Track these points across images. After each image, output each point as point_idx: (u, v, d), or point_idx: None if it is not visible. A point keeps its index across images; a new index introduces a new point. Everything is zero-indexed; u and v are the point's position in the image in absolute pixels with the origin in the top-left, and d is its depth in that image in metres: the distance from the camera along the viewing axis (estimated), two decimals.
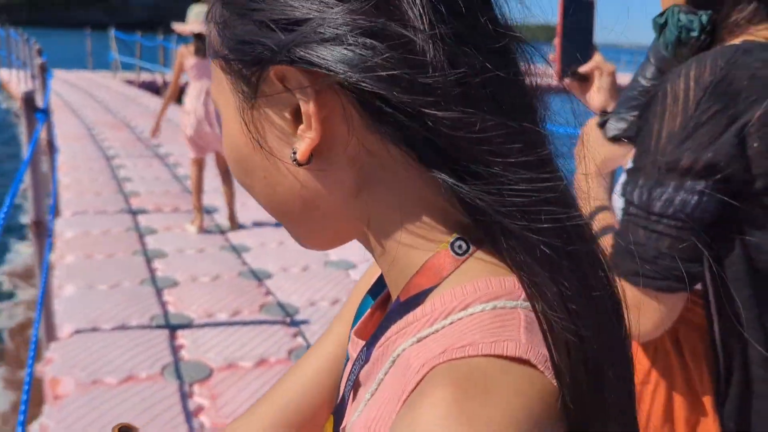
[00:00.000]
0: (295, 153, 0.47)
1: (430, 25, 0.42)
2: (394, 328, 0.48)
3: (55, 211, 5.79)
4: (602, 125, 1.24)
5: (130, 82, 18.58)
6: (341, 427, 0.55)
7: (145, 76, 19.01)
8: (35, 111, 3.31)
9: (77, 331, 3.62)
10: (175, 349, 3.51)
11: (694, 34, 1.03)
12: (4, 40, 18.90)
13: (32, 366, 2.55)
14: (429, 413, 0.37)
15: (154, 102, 14.29)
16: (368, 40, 0.42)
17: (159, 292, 4.23)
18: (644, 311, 0.97)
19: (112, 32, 18.98)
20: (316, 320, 3.93)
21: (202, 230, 5.48)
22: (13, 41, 18.88)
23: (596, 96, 1.33)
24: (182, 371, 3.29)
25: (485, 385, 0.38)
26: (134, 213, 5.96)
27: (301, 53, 0.43)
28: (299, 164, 0.47)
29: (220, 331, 3.74)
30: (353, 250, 5.17)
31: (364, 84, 0.42)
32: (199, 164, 5.31)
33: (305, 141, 0.46)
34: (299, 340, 3.69)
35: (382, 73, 0.42)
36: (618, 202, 1.08)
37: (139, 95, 15.53)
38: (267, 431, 0.70)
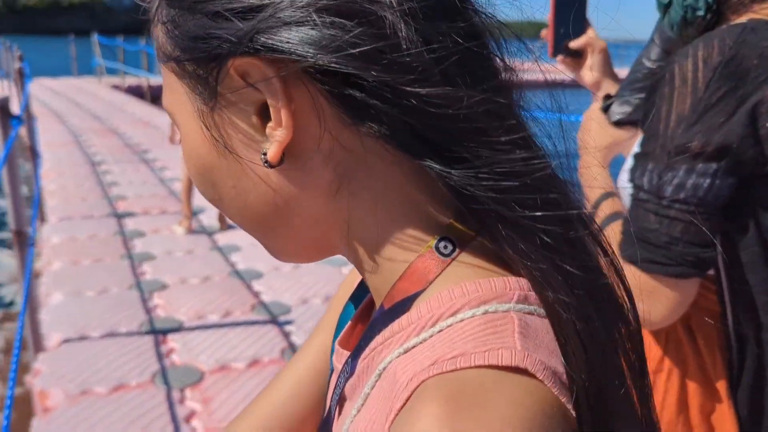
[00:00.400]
0: (265, 155, 0.43)
1: (398, 1, 0.39)
2: (378, 338, 0.44)
3: (40, 218, 5.70)
4: (605, 109, 1.21)
5: (115, 87, 18.45)
6: None
7: (131, 81, 18.86)
8: (10, 118, 3.22)
9: (65, 341, 3.55)
10: (165, 354, 3.44)
11: (700, 13, 1.00)
12: None
13: (14, 380, 2.47)
14: None
15: (140, 108, 14.18)
16: (336, 19, 0.39)
17: (148, 296, 4.15)
18: (657, 298, 0.93)
19: (95, 37, 18.83)
20: (308, 318, 3.86)
21: (191, 231, 5.40)
22: None
23: (588, 73, 1.31)
24: (173, 376, 3.21)
25: (479, 400, 0.35)
26: (121, 217, 5.87)
27: (264, 40, 0.40)
28: (271, 166, 0.43)
29: (210, 333, 3.66)
30: None
31: (337, 65, 0.39)
32: None
33: (276, 140, 0.42)
34: (292, 339, 3.62)
35: (354, 52, 0.38)
36: (624, 188, 1.04)
37: (125, 101, 15.40)
38: None
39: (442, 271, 0.43)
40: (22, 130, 6.57)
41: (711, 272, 0.98)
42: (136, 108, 14.24)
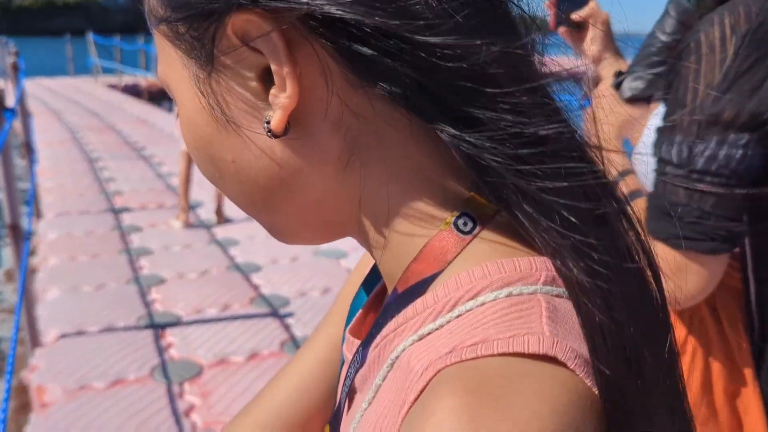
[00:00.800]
0: (268, 123, 0.39)
1: None
2: (391, 324, 0.41)
3: (36, 214, 5.67)
4: (617, 86, 1.17)
5: (112, 87, 18.40)
6: None
7: (127, 80, 18.82)
8: (3, 110, 3.19)
9: (63, 336, 3.51)
10: (163, 349, 3.41)
11: None
12: None
13: (11, 376, 2.44)
14: (439, 428, 0.30)
15: (137, 107, 14.15)
16: None
17: (145, 291, 4.12)
18: (686, 276, 0.90)
19: (90, 36, 18.77)
20: (307, 311, 3.84)
21: (188, 225, 5.37)
22: None
23: (590, 46, 1.27)
24: (172, 370, 3.18)
25: (504, 392, 0.31)
26: (118, 212, 5.84)
27: None
28: (275, 136, 0.39)
29: (209, 327, 3.63)
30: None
31: (336, 11, 0.35)
32: (189, 157, 5.19)
33: (280, 106, 0.38)
34: (291, 331, 3.60)
35: None
36: (640, 166, 1.01)
37: (122, 100, 15.36)
38: None
39: (462, 250, 0.39)
40: (18, 126, 6.54)
41: (736, 249, 0.95)
42: (133, 106, 14.21)
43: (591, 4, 1.29)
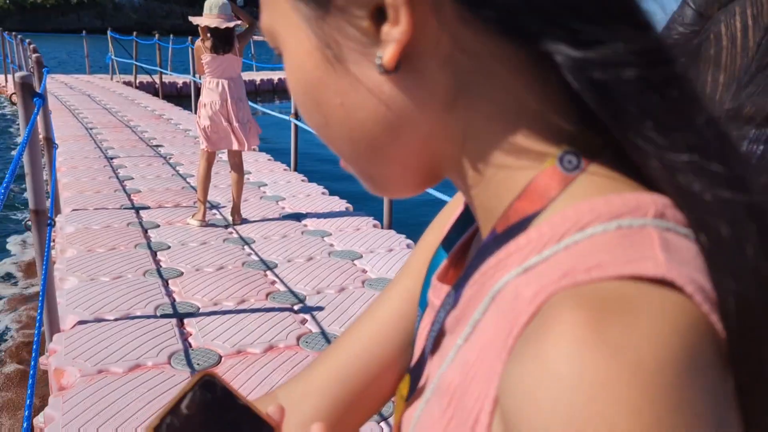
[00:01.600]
0: (381, 58, 0.39)
1: None
2: (491, 260, 0.40)
3: (55, 206, 5.71)
4: None
5: (128, 84, 18.52)
6: (420, 385, 0.48)
7: (143, 77, 18.93)
8: (32, 96, 3.24)
9: (80, 322, 3.56)
10: (181, 338, 3.44)
11: None
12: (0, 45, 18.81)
13: (36, 358, 2.48)
14: (559, 342, 0.30)
15: (153, 102, 14.22)
16: None
17: (163, 283, 4.16)
18: None
19: (109, 33, 18.91)
20: (324, 307, 3.87)
21: (205, 224, 5.41)
22: (8, 45, 18.81)
23: None
24: (190, 359, 3.22)
25: (626, 308, 0.31)
26: (135, 209, 5.89)
27: None
28: (387, 72, 0.39)
29: (227, 318, 3.67)
30: (358, 240, 5.11)
31: None
32: (209, 158, 5.22)
33: (393, 40, 0.38)
34: (308, 326, 3.63)
35: None
36: None
37: (138, 96, 15.45)
38: (325, 393, 0.62)
39: (566, 187, 0.38)
40: (38, 121, 6.60)
41: None
42: (149, 102, 14.29)
43: None
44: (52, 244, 4.55)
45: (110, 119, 11.52)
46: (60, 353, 3.24)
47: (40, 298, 2.91)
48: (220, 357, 3.26)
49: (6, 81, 18.51)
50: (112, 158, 8.11)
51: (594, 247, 0.34)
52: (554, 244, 0.36)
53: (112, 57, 19.48)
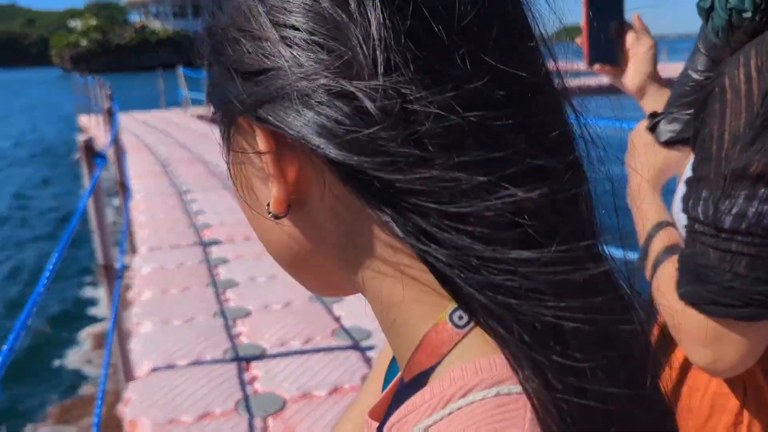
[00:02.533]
0: (268, 206, 0.43)
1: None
2: (402, 409, 0.42)
3: (131, 249, 5.92)
4: (653, 128, 1.09)
5: (200, 117, 19.15)
6: None
7: None
8: (95, 156, 3.37)
9: (155, 369, 3.64)
10: (248, 382, 3.47)
11: (747, 15, 0.86)
12: (83, 87, 19.80)
13: (100, 413, 2.54)
14: None
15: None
16: (335, 101, 0.38)
17: (231, 324, 4.22)
18: (724, 344, 0.82)
19: (180, 70, 19.63)
20: None
21: None
22: (91, 88, 19.79)
23: (633, 79, 1.18)
24: (256, 404, 3.24)
25: None
26: (206, 245, 6.03)
27: (264, 115, 0.39)
28: (276, 217, 0.43)
29: (292, 359, 3.68)
30: None
31: (329, 153, 0.38)
32: None
33: (272, 194, 0.42)
34: (372, 364, 3.59)
35: (344, 139, 0.37)
36: (679, 217, 0.93)
37: (210, 130, 15.90)
38: None
39: (457, 344, 0.40)
40: (113, 166, 6.87)
41: None
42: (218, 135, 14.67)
43: (628, 38, 1.19)
44: (129, 284, 4.71)
45: (184, 154, 11.91)
46: (135, 402, 3.32)
47: (106, 352, 2.99)
48: (284, 402, 3.26)
49: (90, 122, 19.48)
50: (185, 192, 8.36)
51: (472, 417, 0.37)
52: (441, 409, 0.38)
53: (185, 93, 20.18)
